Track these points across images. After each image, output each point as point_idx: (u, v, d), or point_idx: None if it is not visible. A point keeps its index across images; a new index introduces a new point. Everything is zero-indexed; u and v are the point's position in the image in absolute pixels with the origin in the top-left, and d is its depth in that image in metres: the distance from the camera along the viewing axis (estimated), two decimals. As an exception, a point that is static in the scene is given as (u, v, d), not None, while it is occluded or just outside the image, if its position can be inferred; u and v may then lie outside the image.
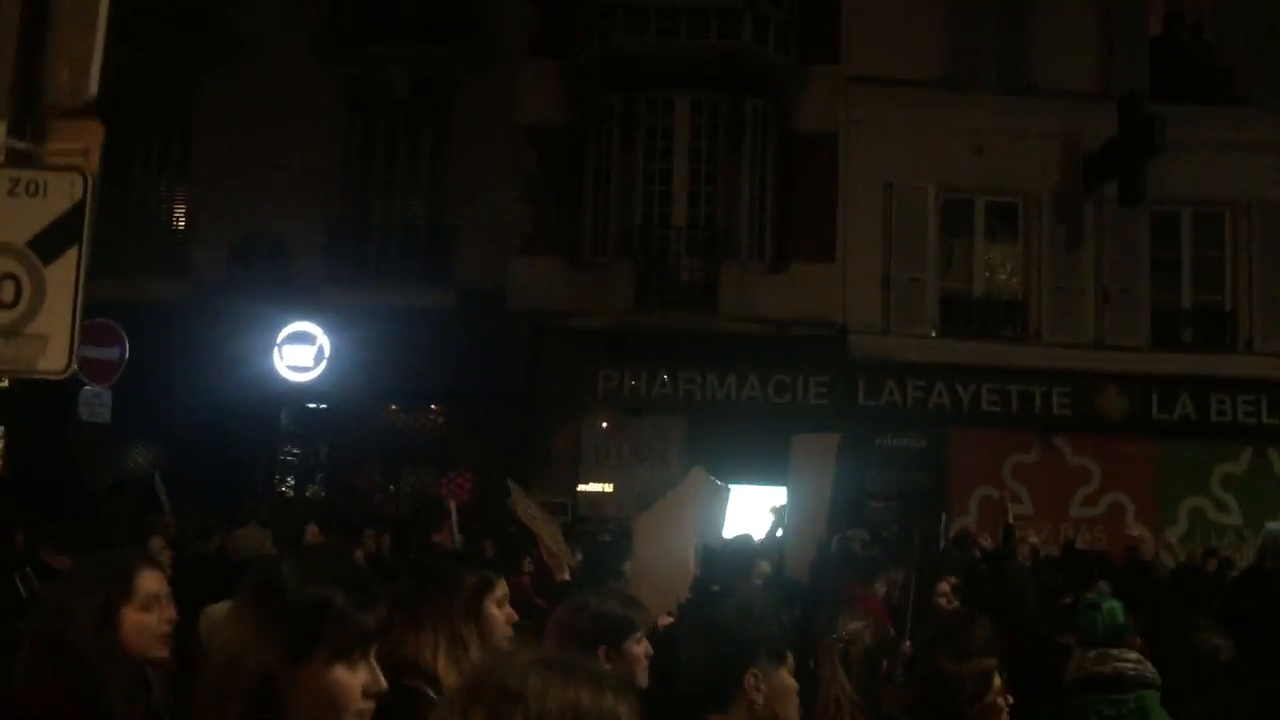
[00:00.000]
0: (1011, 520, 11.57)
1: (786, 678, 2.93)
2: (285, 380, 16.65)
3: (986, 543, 11.72)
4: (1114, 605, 4.64)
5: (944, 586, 7.05)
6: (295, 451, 17.92)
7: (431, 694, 3.19)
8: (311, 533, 9.20)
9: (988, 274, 17.69)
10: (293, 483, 17.85)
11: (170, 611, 3.26)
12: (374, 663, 2.12)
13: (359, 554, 8.59)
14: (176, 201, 18.12)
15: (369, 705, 2.09)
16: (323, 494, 17.48)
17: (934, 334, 17.11)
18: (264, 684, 2.01)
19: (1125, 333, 17.18)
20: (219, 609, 5.07)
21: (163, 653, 3.24)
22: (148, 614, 3.19)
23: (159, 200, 18.23)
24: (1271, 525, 16.65)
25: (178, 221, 18.04)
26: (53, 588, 3.23)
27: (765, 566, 8.37)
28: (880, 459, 16.62)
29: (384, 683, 2.13)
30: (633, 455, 16.58)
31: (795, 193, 16.78)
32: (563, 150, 16.72)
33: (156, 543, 7.29)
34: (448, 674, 3.28)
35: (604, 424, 16.94)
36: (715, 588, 6.81)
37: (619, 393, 16.75)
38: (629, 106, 16.40)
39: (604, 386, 16.70)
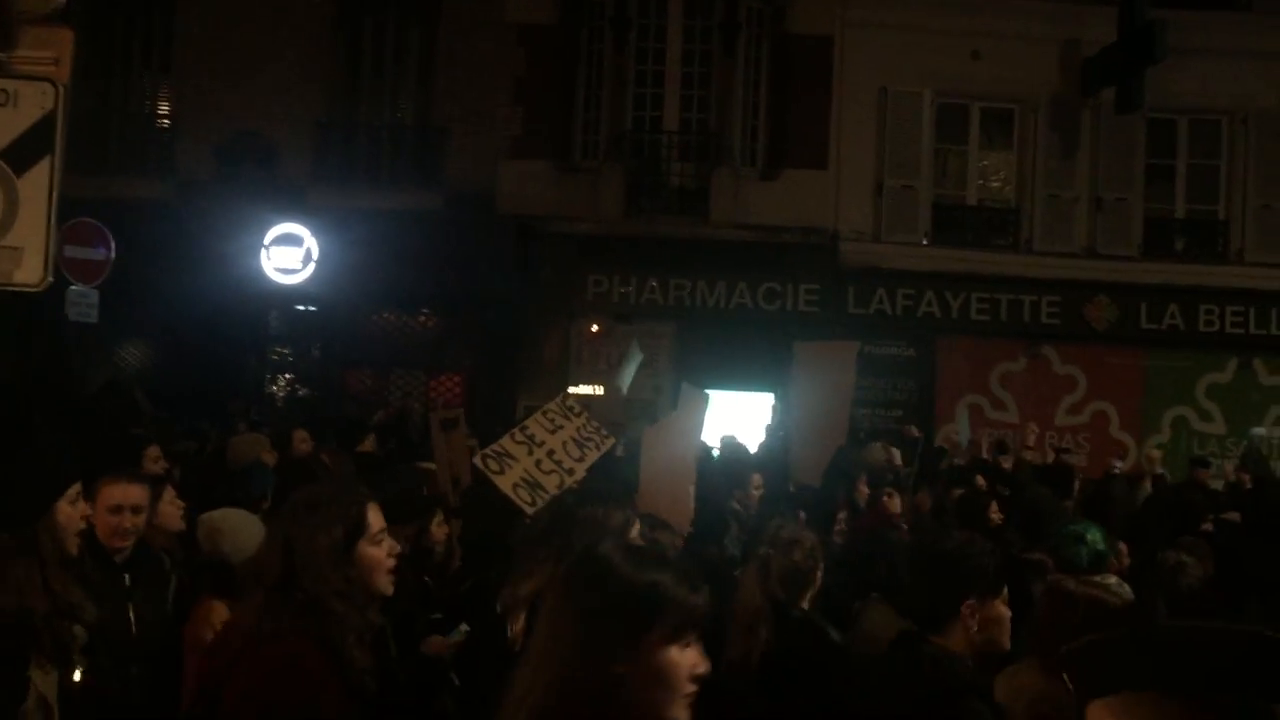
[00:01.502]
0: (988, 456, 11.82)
1: (1000, 608, 3.23)
2: (273, 282, 16.57)
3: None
4: (1095, 534, 4.74)
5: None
6: (286, 353, 17.90)
7: None
8: (299, 438, 9.10)
9: (981, 181, 17.54)
10: (283, 384, 17.87)
11: (394, 544, 3.16)
12: (699, 645, 2.09)
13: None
14: (161, 99, 17.81)
15: (694, 689, 2.06)
16: (313, 396, 17.52)
17: (925, 242, 17.02)
18: (609, 673, 2.00)
19: (1117, 242, 17.11)
20: (220, 516, 5.05)
21: (389, 589, 3.12)
22: (378, 549, 3.09)
23: (143, 98, 17.91)
24: (1256, 431, 16.91)
25: (162, 120, 17.76)
26: (279, 525, 3.07)
27: (758, 479, 8.37)
28: (869, 367, 16.59)
29: (708, 665, 2.10)
30: (622, 361, 16.56)
31: (788, 97, 16.52)
32: (553, 51, 16.41)
33: (153, 451, 7.17)
34: None
35: (594, 328, 16.92)
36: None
37: (608, 298, 16.70)
38: (620, 6, 16.06)
39: (593, 291, 16.65)
